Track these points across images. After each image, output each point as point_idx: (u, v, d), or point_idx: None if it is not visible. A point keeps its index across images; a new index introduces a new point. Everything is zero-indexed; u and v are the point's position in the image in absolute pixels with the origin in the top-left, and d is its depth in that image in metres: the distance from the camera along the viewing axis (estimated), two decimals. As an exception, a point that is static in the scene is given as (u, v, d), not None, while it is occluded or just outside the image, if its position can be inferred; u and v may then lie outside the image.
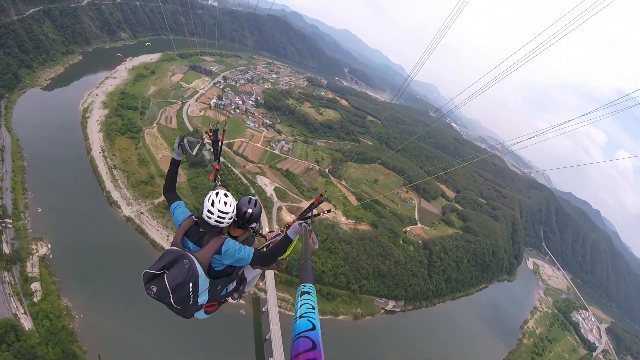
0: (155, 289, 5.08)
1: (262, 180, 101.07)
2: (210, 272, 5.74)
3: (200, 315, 6.24)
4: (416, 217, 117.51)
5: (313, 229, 6.10)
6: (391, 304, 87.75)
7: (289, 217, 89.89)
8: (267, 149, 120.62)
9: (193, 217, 6.09)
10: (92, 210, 74.24)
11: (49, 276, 59.49)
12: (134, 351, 55.16)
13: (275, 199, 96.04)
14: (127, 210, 77.73)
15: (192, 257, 5.33)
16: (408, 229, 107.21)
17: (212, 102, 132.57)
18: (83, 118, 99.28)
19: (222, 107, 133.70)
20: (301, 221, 6.05)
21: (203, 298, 5.61)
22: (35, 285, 57.57)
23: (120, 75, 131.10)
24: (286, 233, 5.98)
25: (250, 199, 6.36)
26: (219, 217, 5.68)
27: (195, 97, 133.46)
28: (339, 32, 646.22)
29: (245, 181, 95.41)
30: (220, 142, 8.28)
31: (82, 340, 53.81)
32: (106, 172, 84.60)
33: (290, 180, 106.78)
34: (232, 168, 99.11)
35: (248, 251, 5.85)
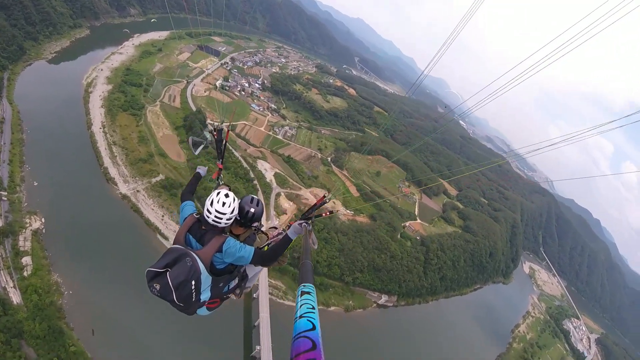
0: (158, 287, 5.12)
1: (262, 165, 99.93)
2: (212, 270, 5.79)
3: (202, 311, 6.28)
4: (416, 213, 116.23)
5: (313, 229, 6.28)
6: (384, 299, 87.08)
7: (287, 204, 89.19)
8: (270, 133, 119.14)
9: (195, 214, 6.24)
10: (89, 186, 73.76)
11: (41, 251, 59.16)
12: (121, 330, 54.69)
13: (274, 184, 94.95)
14: (123, 188, 77.02)
15: (195, 255, 5.39)
16: (407, 224, 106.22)
17: (218, 83, 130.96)
18: (86, 93, 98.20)
19: (227, 88, 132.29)
20: (301, 221, 6.23)
21: (205, 295, 5.68)
22: (26, 260, 57.20)
23: (126, 51, 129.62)
24: (286, 233, 6.09)
25: (252, 198, 6.43)
26: (216, 217, 5.77)
27: (201, 77, 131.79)
28: (352, 20, 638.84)
29: (245, 165, 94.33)
30: (224, 142, 8.33)
31: (70, 317, 53.42)
32: (105, 148, 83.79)
33: (291, 166, 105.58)
34: (233, 151, 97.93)
35: (248, 250, 5.93)
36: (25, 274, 55.39)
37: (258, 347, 58.93)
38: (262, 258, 6.09)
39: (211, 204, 5.79)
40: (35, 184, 68.94)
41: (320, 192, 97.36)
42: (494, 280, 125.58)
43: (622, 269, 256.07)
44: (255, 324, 63.24)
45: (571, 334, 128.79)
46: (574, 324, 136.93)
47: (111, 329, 54.21)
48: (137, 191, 77.63)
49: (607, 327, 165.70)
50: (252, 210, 6.25)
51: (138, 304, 55.67)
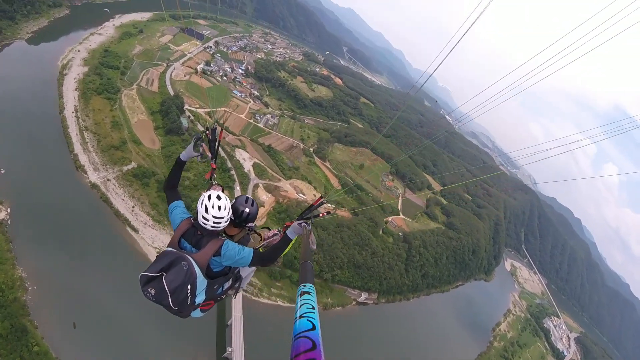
0: (153, 292, 4.94)
1: (241, 155, 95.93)
2: (208, 272, 5.75)
3: (196, 313, 6.18)
4: (399, 208, 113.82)
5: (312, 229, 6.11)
6: (364, 296, 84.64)
7: (265, 196, 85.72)
8: (251, 121, 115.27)
9: (191, 219, 6.02)
10: (58, 174, 70.06)
11: (5, 243, 55.19)
12: (89, 327, 51.92)
13: (252, 175, 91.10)
14: (93, 176, 73.07)
15: (190, 258, 5.27)
16: (389, 219, 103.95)
17: (199, 67, 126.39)
18: (60, 75, 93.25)
19: (209, 73, 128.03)
20: (301, 221, 6.14)
21: (200, 298, 5.58)
22: None
23: (106, 32, 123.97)
24: (285, 233, 6.10)
25: (247, 198, 6.32)
26: (214, 222, 5.60)
27: (182, 60, 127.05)
28: (342, 10, 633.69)
29: (222, 154, 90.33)
30: (217, 142, 7.92)
31: (35, 314, 50.36)
32: (76, 134, 79.48)
33: (272, 156, 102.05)
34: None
35: (248, 253, 5.88)
36: (-12, 268, 51.86)
37: (230, 349, 56.18)
38: (261, 259, 6.02)
39: (206, 210, 5.56)
40: (2, 171, 64.91)
41: (301, 184, 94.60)
42: (476, 278, 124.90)
43: (601, 268, 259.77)
44: (229, 323, 60.61)
45: (551, 332, 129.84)
46: (554, 322, 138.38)
47: (79, 326, 51.46)
48: (108, 180, 73.79)
49: (586, 326, 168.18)
50: (247, 210, 6.19)
51: (106, 300, 54.03)
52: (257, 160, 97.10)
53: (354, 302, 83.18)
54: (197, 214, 5.71)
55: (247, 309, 63.61)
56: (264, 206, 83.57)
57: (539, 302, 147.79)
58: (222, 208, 5.62)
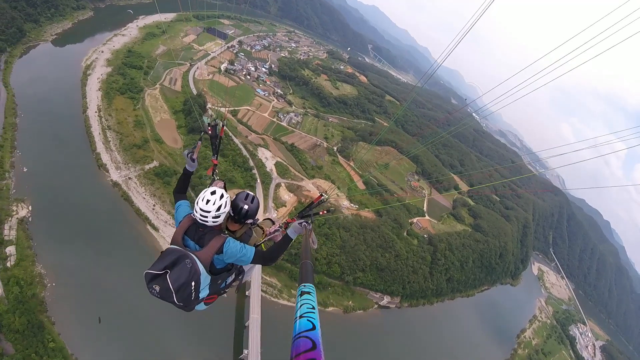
0: (158, 289, 5.03)
1: (263, 153, 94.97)
2: (211, 269, 5.76)
3: (200, 307, 6.27)
4: (424, 209, 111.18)
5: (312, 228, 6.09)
6: (386, 300, 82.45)
7: (287, 196, 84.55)
8: (274, 119, 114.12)
9: (192, 215, 6.01)
10: (80, 172, 70.86)
11: (26, 240, 56.29)
12: (106, 326, 51.97)
13: (274, 174, 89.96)
14: (115, 175, 73.61)
15: (194, 256, 5.35)
16: (414, 220, 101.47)
17: (223, 66, 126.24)
18: (84, 75, 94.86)
19: (232, 72, 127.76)
20: (301, 220, 6.04)
21: (204, 293, 5.70)
22: (10, 250, 54.23)
23: (130, 33, 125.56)
24: (286, 232, 5.98)
25: (247, 195, 6.27)
26: (201, 215, 5.64)
27: (205, 60, 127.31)
28: (366, 7, 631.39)
29: (245, 152, 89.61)
30: (218, 138, 8.08)
31: (52, 310, 50.71)
32: (99, 133, 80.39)
33: (295, 155, 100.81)
34: (233, 137, 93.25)
35: (249, 251, 5.90)
36: (8, 264, 52.55)
37: (246, 351, 55.11)
38: (262, 258, 6.02)
39: (197, 202, 5.68)
40: (25, 170, 65.94)
41: (324, 184, 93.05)
42: (502, 282, 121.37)
43: (630, 274, 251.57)
44: (247, 324, 59.52)
45: (577, 340, 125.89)
46: (580, 329, 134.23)
47: (96, 325, 51.62)
48: (129, 178, 74.22)
49: (612, 334, 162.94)
50: (246, 207, 6.12)
51: (124, 299, 53.58)
52: (279, 159, 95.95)
53: (376, 306, 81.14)
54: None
55: (266, 310, 62.48)
56: (285, 206, 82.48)
57: (566, 308, 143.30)
58: (210, 203, 5.62)
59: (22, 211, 59.31)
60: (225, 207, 5.80)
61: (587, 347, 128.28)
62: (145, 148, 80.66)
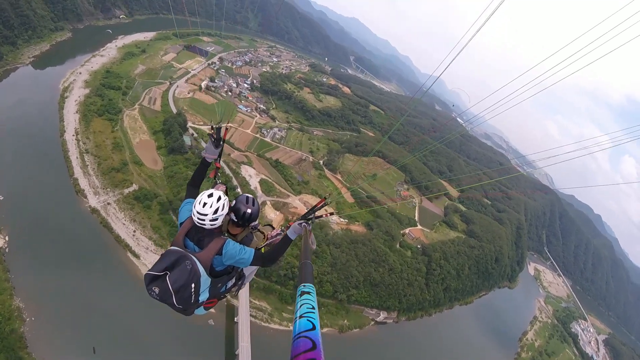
0: (157, 290, 5.06)
1: (247, 171, 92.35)
2: (211, 271, 5.73)
3: (199, 311, 6.31)
4: (416, 218, 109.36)
5: (312, 229, 6.14)
6: (382, 315, 79.92)
7: (273, 214, 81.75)
8: (258, 135, 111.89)
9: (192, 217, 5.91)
10: (57, 199, 68.36)
11: (3, 272, 53.81)
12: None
13: (259, 192, 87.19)
14: (93, 201, 70.87)
15: (194, 258, 5.35)
16: (407, 230, 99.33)
17: (203, 83, 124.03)
18: (61, 98, 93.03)
19: (213, 89, 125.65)
20: (301, 221, 6.10)
21: (204, 296, 5.67)
22: None
23: (108, 53, 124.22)
24: (286, 233, 6.05)
25: (248, 198, 6.19)
26: (198, 219, 5.60)
27: (186, 77, 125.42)
28: (347, 20, 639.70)
29: (227, 171, 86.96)
30: (222, 140, 7.36)
31: (32, 346, 48.40)
32: (77, 157, 77.99)
33: (280, 171, 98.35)
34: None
35: (248, 253, 5.87)
36: (-16, 299, 49.78)
37: (237, 383, 52.18)
38: (262, 260, 6.05)
39: (194, 205, 5.64)
40: (1, 198, 63.47)
41: (311, 199, 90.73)
42: (500, 286, 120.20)
43: (625, 264, 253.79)
44: (237, 352, 56.51)
45: (579, 337, 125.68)
46: (582, 325, 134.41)
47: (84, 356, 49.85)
48: (108, 204, 71.44)
49: (614, 326, 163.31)
50: (249, 210, 6.01)
51: (108, 331, 52.15)
52: (264, 177, 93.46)
53: (373, 322, 78.50)
54: None
55: (256, 336, 60.10)
56: (272, 225, 79.41)
57: (565, 305, 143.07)
58: (207, 206, 5.55)
59: (-1, 241, 56.84)
60: (222, 209, 5.68)
61: (590, 342, 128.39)
62: (124, 171, 78.05)
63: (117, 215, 70.01)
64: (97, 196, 71.86)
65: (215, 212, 5.56)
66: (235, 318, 60.13)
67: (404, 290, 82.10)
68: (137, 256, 64.37)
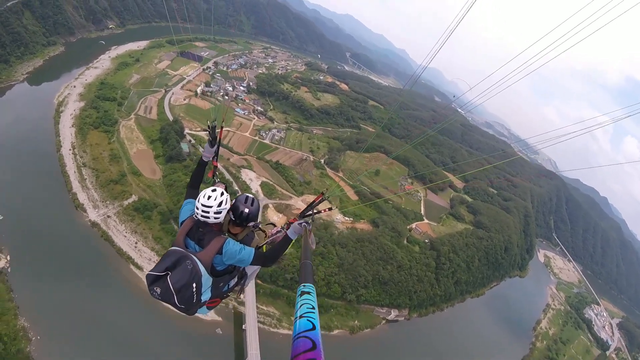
0: (159, 290, 5.07)
1: (247, 175, 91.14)
2: (212, 271, 5.75)
3: (202, 311, 6.32)
4: (422, 212, 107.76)
5: (315, 229, 6.14)
6: (394, 314, 78.59)
7: (275, 217, 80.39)
8: (256, 138, 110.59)
9: (194, 216, 5.99)
10: (57, 215, 68.01)
11: (6, 293, 53.32)
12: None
13: (261, 195, 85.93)
14: (93, 214, 70.34)
15: (195, 257, 5.35)
16: (413, 225, 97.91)
17: (199, 89, 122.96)
18: (57, 112, 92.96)
19: (209, 94, 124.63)
20: (301, 221, 6.07)
21: (206, 296, 5.63)
22: None
23: (102, 64, 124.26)
24: (286, 233, 6.04)
25: (247, 197, 6.24)
26: (202, 211, 5.67)
27: (181, 84, 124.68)
28: (340, 17, 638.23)
29: (228, 176, 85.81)
30: (218, 140, 7.62)
31: None
32: (74, 172, 77.68)
33: (281, 173, 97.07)
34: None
35: (248, 252, 5.87)
36: (-11, 319, 49.25)
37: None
38: (262, 259, 6.06)
39: (198, 200, 5.75)
40: (1, 217, 62.76)
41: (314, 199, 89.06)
42: (510, 275, 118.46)
43: (634, 246, 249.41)
44: (246, 360, 55.21)
45: (593, 322, 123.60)
46: (595, 310, 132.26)
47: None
48: (108, 217, 70.92)
49: (626, 308, 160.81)
50: (247, 210, 6.03)
51: (115, 346, 51.60)
52: (265, 179, 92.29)
53: (384, 321, 77.23)
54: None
55: (266, 342, 59.00)
56: (274, 224, 78.27)
57: (577, 291, 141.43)
58: (212, 199, 5.65)
59: (0, 262, 56.32)
60: (225, 203, 5.79)
61: (604, 327, 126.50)
62: (123, 182, 77.50)
63: (118, 227, 69.40)
64: (96, 210, 71.34)
65: (220, 204, 5.70)
66: (243, 325, 59.00)
67: (414, 287, 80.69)
68: (140, 268, 63.51)
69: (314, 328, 2.59)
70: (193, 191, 6.73)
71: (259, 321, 61.93)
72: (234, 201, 6.09)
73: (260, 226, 7.05)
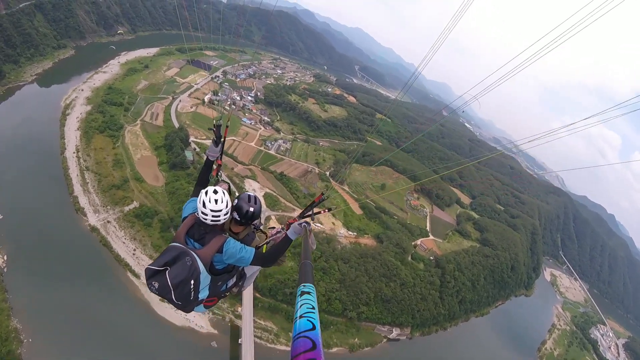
0: (157, 285, 5.04)
1: (251, 185, 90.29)
2: (211, 269, 5.76)
3: (199, 309, 6.33)
4: (427, 228, 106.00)
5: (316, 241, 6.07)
6: (395, 332, 76.42)
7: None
8: (262, 148, 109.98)
9: (196, 214, 5.91)
10: (57, 218, 67.52)
11: (1, 293, 52.66)
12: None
13: (263, 207, 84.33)
14: (93, 219, 69.69)
15: (194, 254, 5.34)
16: (418, 242, 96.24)
17: (206, 97, 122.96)
18: (63, 115, 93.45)
19: (217, 103, 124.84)
20: (301, 221, 6.03)
21: (204, 294, 5.67)
22: None
23: (111, 69, 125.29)
24: (286, 234, 5.98)
25: (250, 196, 6.19)
26: (213, 216, 5.61)
27: (189, 92, 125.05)
28: (350, 30, 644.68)
29: (231, 186, 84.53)
30: (222, 138, 7.70)
31: None
32: (77, 175, 77.40)
33: (285, 184, 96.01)
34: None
35: (249, 252, 5.85)
36: (-19, 320, 49.08)
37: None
38: (262, 260, 6.01)
39: (204, 205, 5.58)
40: (0, 217, 62.67)
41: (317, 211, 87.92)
42: (516, 294, 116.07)
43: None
44: (242, 378, 53.63)
45: (599, 342, 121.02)
46: (601, 330, 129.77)
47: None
48: (108, 222, 70.27)
49: (632, 328, 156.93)
50: (251, 209, 6.01)
51: (105, 353, 50.82)
52: (268, 190, 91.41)
53: (385, 340, 75.01)
54: (197, 210, 5.72)
55: (262, 358, 57.62)
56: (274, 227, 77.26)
57: (583, 310, 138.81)
58: (220, 201, 5.58)
59: (-3, 261, 55.72)
60: (230, 202, 5.77)
61: (610, 347, 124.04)
62: (125, 188, 76.91)
63: (117, 233, 68.75)
64: (97, 214, 70.87)
65: (227, 205, 5.64)
66: (240, 339, 57.53)
67: (417, 305, 78.66)
68: (137, 276, 62.52)
69: (314, 328, 2.54)
70: (200, 189, 6.40)
71: (255, 336, 60.52)
72: (236, 200, 6.05)
73: (261, 228, 7.06)
